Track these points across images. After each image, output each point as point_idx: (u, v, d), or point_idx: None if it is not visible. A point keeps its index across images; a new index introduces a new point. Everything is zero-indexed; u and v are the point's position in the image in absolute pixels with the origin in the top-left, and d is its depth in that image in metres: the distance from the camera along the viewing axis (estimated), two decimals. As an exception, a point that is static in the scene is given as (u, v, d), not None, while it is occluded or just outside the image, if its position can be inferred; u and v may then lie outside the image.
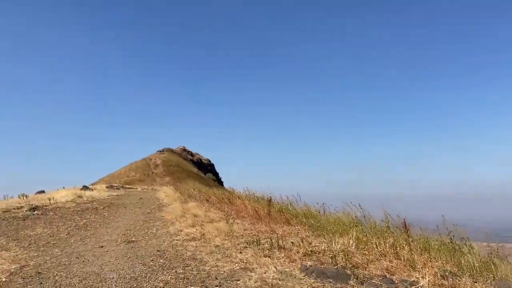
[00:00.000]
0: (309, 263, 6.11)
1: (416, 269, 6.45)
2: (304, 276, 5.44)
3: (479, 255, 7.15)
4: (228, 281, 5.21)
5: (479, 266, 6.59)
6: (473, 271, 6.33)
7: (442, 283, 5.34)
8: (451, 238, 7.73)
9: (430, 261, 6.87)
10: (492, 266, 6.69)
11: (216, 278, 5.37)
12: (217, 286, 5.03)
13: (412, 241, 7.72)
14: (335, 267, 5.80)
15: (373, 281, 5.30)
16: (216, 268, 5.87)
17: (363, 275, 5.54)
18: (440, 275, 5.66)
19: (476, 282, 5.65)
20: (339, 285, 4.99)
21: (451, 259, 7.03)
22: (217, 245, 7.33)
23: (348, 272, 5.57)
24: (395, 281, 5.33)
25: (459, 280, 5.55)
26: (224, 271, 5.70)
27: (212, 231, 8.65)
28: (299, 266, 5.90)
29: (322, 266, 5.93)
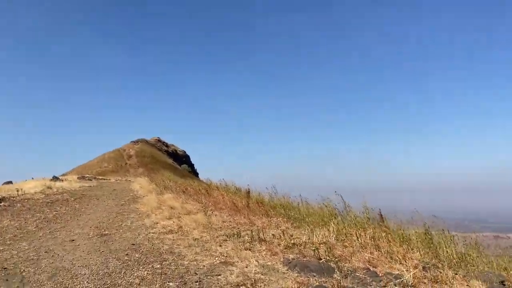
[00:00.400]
0: (291, 256, 5.97)
1: (397, 261, 6.44)
2: (287, 269, 5.28)
3: (454, 246, 7.19)
4: (209, 276, 5.00)
5: (457, 258, 6.64)
6: (451, 263, 6.36)
7: (424, 275, 5.30)
8: (426, 230, 7.76)
9: (409, 252, 6.86)
10: (469, 258, 6.74)
11: (196, 273, 5.14)
12: (196, 281, 4.81)
13: (390, 232, 7.71)
14: (318, 260, 5.68)
15: (357, 274, 5.21)
16: (195, 263, 5.64)
17: (346, 268, 5.44)
18: (422, 266, 5.63)
19: (456, 274, 5.65)
20: (323, 279, 4.85)
21: (429, 251, 7.05)
22: (195, 238, 7.09)
23: (332, 265, 5.46)
24: (379, 274, 5.25)
25: (440, 272, 5.53)
26: (204, 266, 5.48)
27: (189, 224, 8.40)
28: (281, 259, 5.75)
29: (305, 259, 5.80)
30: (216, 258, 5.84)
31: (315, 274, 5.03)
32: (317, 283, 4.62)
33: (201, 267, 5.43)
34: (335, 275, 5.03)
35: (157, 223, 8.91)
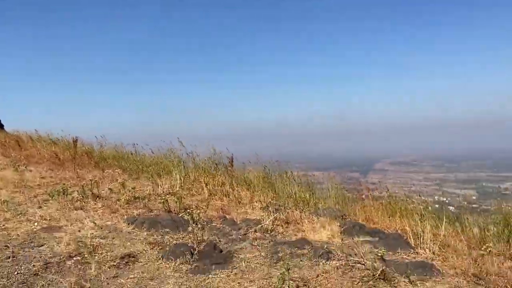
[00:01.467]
0: (135, 212, 5.10)
1: (245, 205, 6.32)
2: (133, 228, 4.42)
3: (292, 186, 7.46)
4: (26, 249, 3.75)
5: (297, 197, 6.90)
6: (295, 202, 6.56)
7: (277, 217, 5.20)
8: (266, 173, 7.89)
9: (255, 196, 6.83)
10: (307, 196, 7.09)
11: (7, 246, 3.80)
12: (8, 257, 3.53)
13: (235, 176, 7.56)
14: (169, 213, 4.98)
15: (213, 224, 4.75)
16: (5, 232, 4.20)
17: (201, 219, 4.90)
18: (275, 208, 5.53)
19: (302, 212, 5.78)
20: (179, 234, 4.20)
21: (272, 192, 7.16)
22: (4, 200, 5.39)
23: (185, 217, 4.83)
24: (236, 222, 4.91)
25: (289, 213, 5.55)
26: (19, 235, 4.13)
27: (-7, 183, 6.49)
28: (124, 217, 4.82)
29: (152, 213, 5.03)
30: (36, 224, 4.51)
31: (168, 229, 4.34)
32: (174, 241, 3.95)
33: (15, 237, 4.08)
34: (190, 228, 4.42)
35: None
